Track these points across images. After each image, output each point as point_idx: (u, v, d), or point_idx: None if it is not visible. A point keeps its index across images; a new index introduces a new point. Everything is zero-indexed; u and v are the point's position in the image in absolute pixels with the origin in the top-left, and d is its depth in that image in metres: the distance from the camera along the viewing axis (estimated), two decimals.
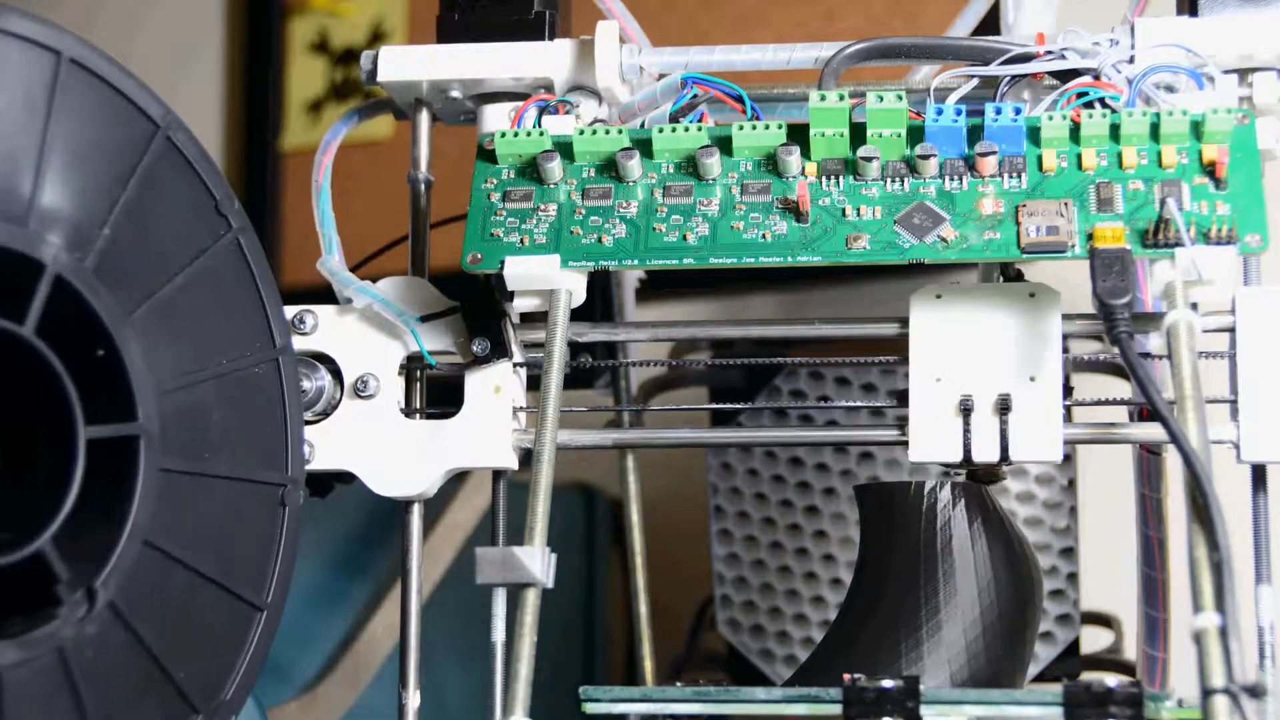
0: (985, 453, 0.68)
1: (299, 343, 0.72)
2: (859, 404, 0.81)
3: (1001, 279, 0.72)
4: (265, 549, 0.66)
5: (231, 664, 0.64)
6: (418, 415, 0.73)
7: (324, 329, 0.73)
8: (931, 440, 0.68)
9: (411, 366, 0.73)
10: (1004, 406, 0.68)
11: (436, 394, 0.74)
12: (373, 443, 0.72)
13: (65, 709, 0.58)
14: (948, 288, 0.70)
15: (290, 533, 0.66)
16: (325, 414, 0.73)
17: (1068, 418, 0.70)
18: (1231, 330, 0.67)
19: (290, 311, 0.73)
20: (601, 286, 0.85)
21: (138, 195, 0.61)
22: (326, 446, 0.72)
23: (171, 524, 0.61)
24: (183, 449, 0.62)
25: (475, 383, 0.72)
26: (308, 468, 0.71)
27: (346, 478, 0.73)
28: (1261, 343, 0.67)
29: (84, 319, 0.59)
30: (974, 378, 0.68)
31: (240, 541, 0.65)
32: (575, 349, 0.75)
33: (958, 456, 0.68)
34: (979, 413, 0.68)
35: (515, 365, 0.72)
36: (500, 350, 0.71)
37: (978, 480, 0.73)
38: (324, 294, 0.74)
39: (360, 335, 0.73)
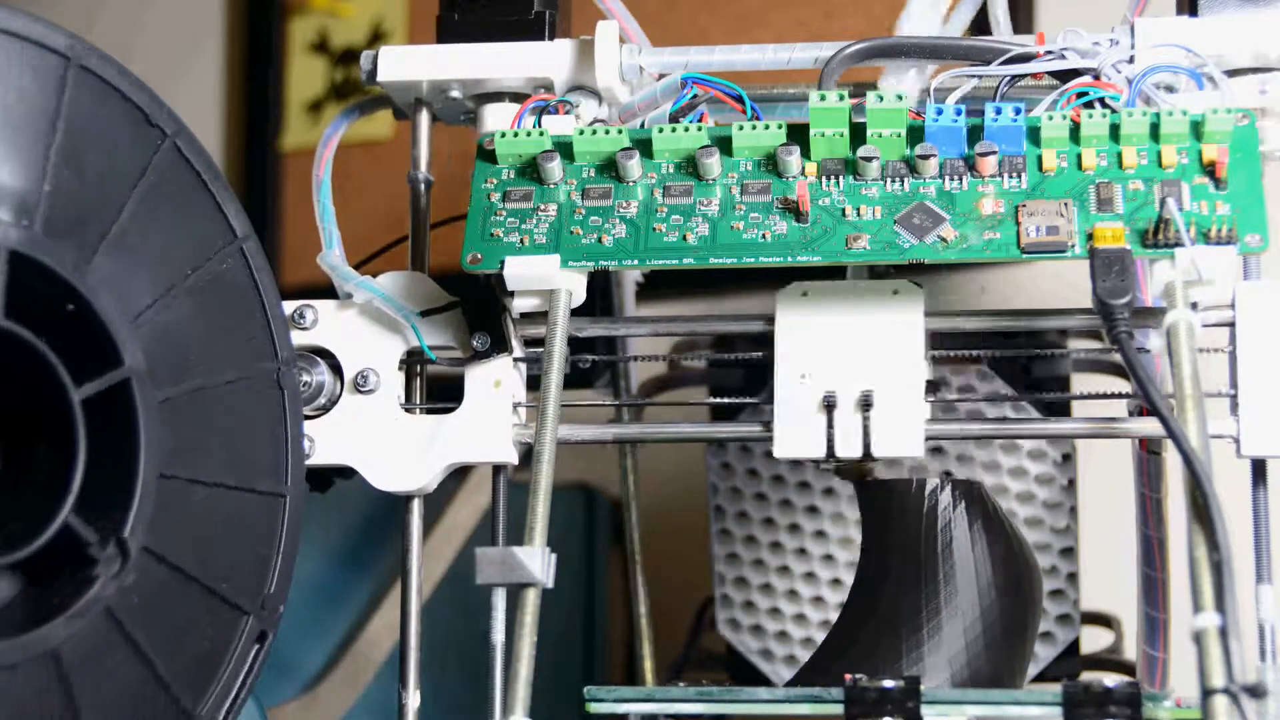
0: (848, 448, 0.68)
1: (299, 338, 0.73)
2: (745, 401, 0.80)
3: (869, 274, 0.72)
4: (274, 443, 0.66)
5: (267, 557, 0.65)
6: (418, 410, 0.73)
7: (324, 324, 0.73)
8: (796, 437, 0.69)
9: (412, 361, 0.73)
10: (866, 403, 0.68)
11: (437, 389, 0.74)
12: (373, 438, 0.72)
13: (126, 660, 0.59)
14: (813, 285, 0.70)
15: (294, 413, 0.66)
16: (325, 409, 0.73)
17: (1064, 411, 0.70)
18: (1231, 325, 0.67)
19: (290, 306, 0.73)
20: (601, 286, 0.85)
21: (67, 138, 0.60)
22: (327, 441, 0.72)
23: (180, 448, 0.61)
24: (172, 372, 0.61)
25: (475, 378, 0.72)
26: (308, 463, 0.71)
27: (347, 473, 0.73)
28: (1261, 337, 0.67)
29: (47, 283, 0.59)
30: (838, 374, 0.69)
31: (248, 442, 0.65)
32: (575, 345, 0.75)
33: (821, 452, 0.69)
34: (841, 409, 0.69)
35: (515, 360, 0.72)
36: (500, 345, 0.71)
37: (844, 476, 0.73)
38: (324, 294, 0.74)
39: (360, 330, 0.73)
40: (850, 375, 0.69)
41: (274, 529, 0.65)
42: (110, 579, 0.58)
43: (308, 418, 0.72)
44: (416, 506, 0.73)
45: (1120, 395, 0.72)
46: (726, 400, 0.83)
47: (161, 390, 0.61)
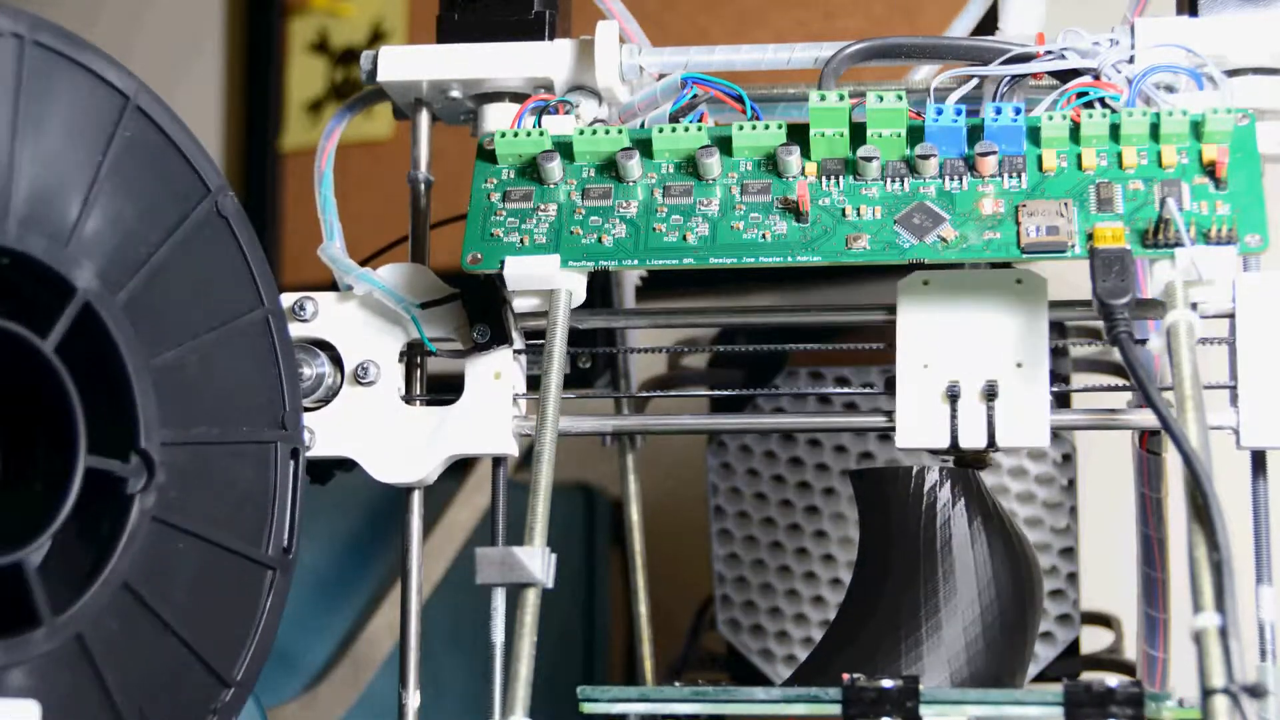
0: (972, 438, 0.68)
1: (299, 330, 0.73)
2: (847, 391, 0.81)
3: (989, 265, 0.72)
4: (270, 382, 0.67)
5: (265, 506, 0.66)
6: (418, 402, 0.73)
7: (324, 316, 0.73)
8: (919, 426, 0.69)
9: (412, 353, 0.74)
10: (991, 393, 0.68)
11: (437, 383, 0.74)
12: (373, 429, 0.72)
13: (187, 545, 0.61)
14: (934, 274, 0.70)
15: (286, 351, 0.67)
16: (325, 401, 0.73)
17: (1064, 405, 0.70)
18: (1231, 316, 0.67)
19: (290, 299, 0.73)
20: (601, 286, 0.85)
21: (182, 248, 0.62)
22: (327, 433, 0.72)
23: (154, 572, 0.61)
24: (179, 501, 0.62)
25: (476, 369, 0.72)
26: (308, 455, 0.71)
27: (347, 465, 0.73)
28: (1261, 328, 0.67)
29: (105, 351, 0.60)
30: (961, 364, 0.69)
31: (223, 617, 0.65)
32: (575, 339, 0.75)
33: (945, 443, 0.69)
34: (965, 399, 0.69)
35: (515, 352, 0.72)
36: (500, 337, 0.71)
37: (965, 465, 0.73)
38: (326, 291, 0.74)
39: (360, 322, 0.73)
40: (973, 365, 0.69)
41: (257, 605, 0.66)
42: (145, 493, 0.59)
43: (308, 410, 0.72)
44: (417, 498, 0.73)
45: (1119, 388, 0.72)
46: (726, 393, 0.84)
47: (164, 511, 0.61)
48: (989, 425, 0.68)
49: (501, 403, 0.72)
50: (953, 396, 0.69)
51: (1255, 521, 0.67)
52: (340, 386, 0.73)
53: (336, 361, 0.73)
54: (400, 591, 0.73)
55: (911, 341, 0.70)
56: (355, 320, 0.73)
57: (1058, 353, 0.85)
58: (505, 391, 0.72)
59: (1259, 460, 0.68)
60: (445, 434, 0.72)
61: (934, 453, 0.70)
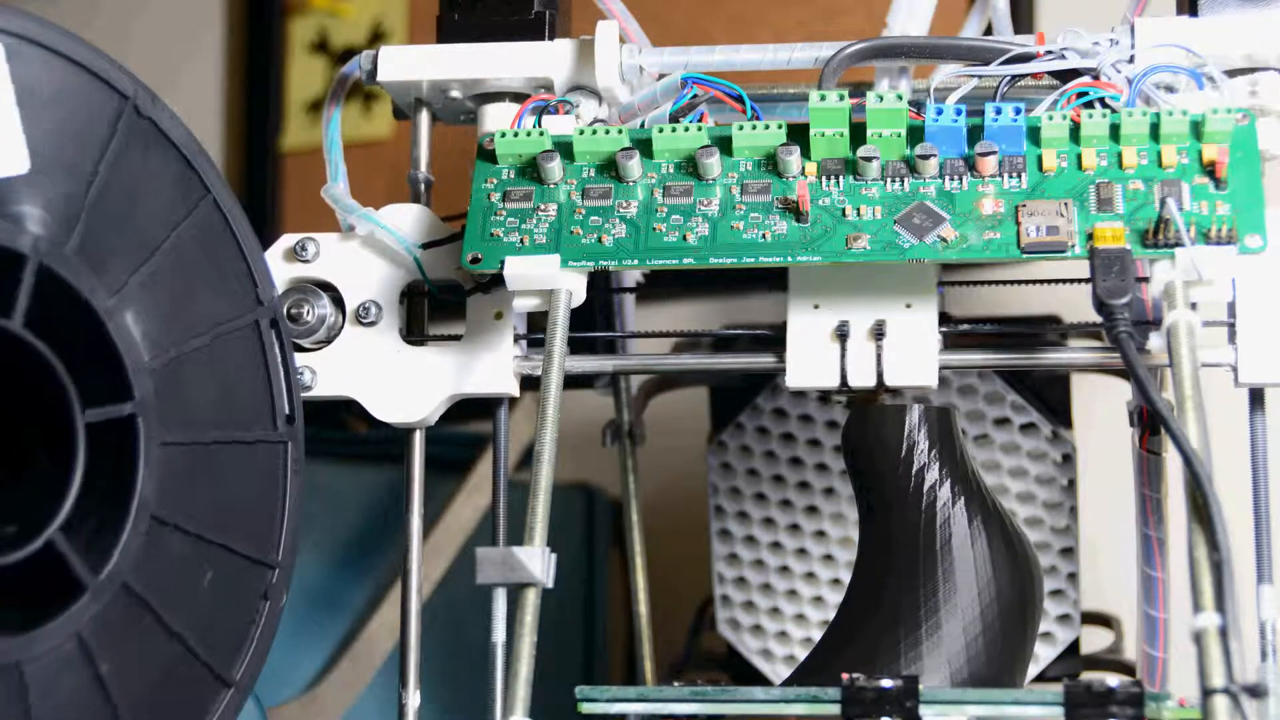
0: (861, 377, 0.69)
1: (301, 270, 0.73)
2: (743, 331, 0.79)
3: None
4: (270, 506, 0.66)
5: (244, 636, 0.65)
6: (420, 342, 0.73)
7: (325, 256, 0.74)
8: (809, 366, 0.70)
9: (413, 293, 0.74)
10: (879, 332, 0.69)
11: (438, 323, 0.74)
12: (375, 369, 0.73)
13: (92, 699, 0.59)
14: None
15: (295, 486, 0.67)
16: (327, 341, 0.73)
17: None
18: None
19: (291, 239, 0.73)
20: (601, 287, 0.85)
21: (115, 171, 0.61)
22: (328, 374, 0.73)
23: (176, 496, 0.61)
24: (181, 419, 0.62)
25: (477, 309, 0.72)
26: (309, 395, 0.72)
27: (349, 406, 0.73)
28: (1258, 266, 0.67)
29: (71, 302, 0.59)
30: (851, 304, 0.70)
31: (244, 503, 0.65)
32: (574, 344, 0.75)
33: (835, 382, 0.69)
34: (854, 339, 0.69)
35: (517, 338, 0.72)
36: (501, 278, 0.71)
37: (851, 407, 0.73)
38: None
39: (362, 262, 0.74)
40: (863, 305, 0.70)
41: (254, 609, 0.66)
42: (88, 607, 0.58)
43: (308, 350, 0.73)
44: (418, 439, 0.73)
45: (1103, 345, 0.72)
46: (730, 332, 0.82)
47: (169, 432, 0.61)
48: (878, 364, 0.69)
49: (502, 343, 0.72)
50: (842, 336, 0.69)
51: (1253, 460, 0.68)
52: (342, 327, 0.73)
53: (338, 303, 0.74)
54: (400, 591, 0.73)
55: (802, 282, 0.70)
56: (357, 261, 0.74)
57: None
58: (506, 331, 0.72)
59: (1256, 397, 0.69)
60: (446, 374, 0.72)
61: (824, 393, 0.70)
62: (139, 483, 0.60)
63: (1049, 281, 0.74)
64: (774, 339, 0.72)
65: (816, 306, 0.70)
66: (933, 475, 0.72)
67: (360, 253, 0.74)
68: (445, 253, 0.73)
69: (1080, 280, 0.68)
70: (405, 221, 0.73)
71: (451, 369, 0.73)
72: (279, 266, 0.73)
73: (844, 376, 0.70)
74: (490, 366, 0.72)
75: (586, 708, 0.66)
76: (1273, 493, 0.68)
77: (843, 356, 0.69)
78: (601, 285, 0.83)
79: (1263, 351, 0.67)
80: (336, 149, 0.75)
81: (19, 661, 0.56)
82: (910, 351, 0.69)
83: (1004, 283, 0.75)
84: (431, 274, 0.73)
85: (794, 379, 0.70)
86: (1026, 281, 0.74)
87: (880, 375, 0.69)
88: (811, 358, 0.70)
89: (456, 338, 0.73)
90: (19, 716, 0.56)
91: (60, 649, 0.57)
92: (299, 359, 0.72)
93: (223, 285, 0.65)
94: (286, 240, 0.74)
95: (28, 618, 0.57)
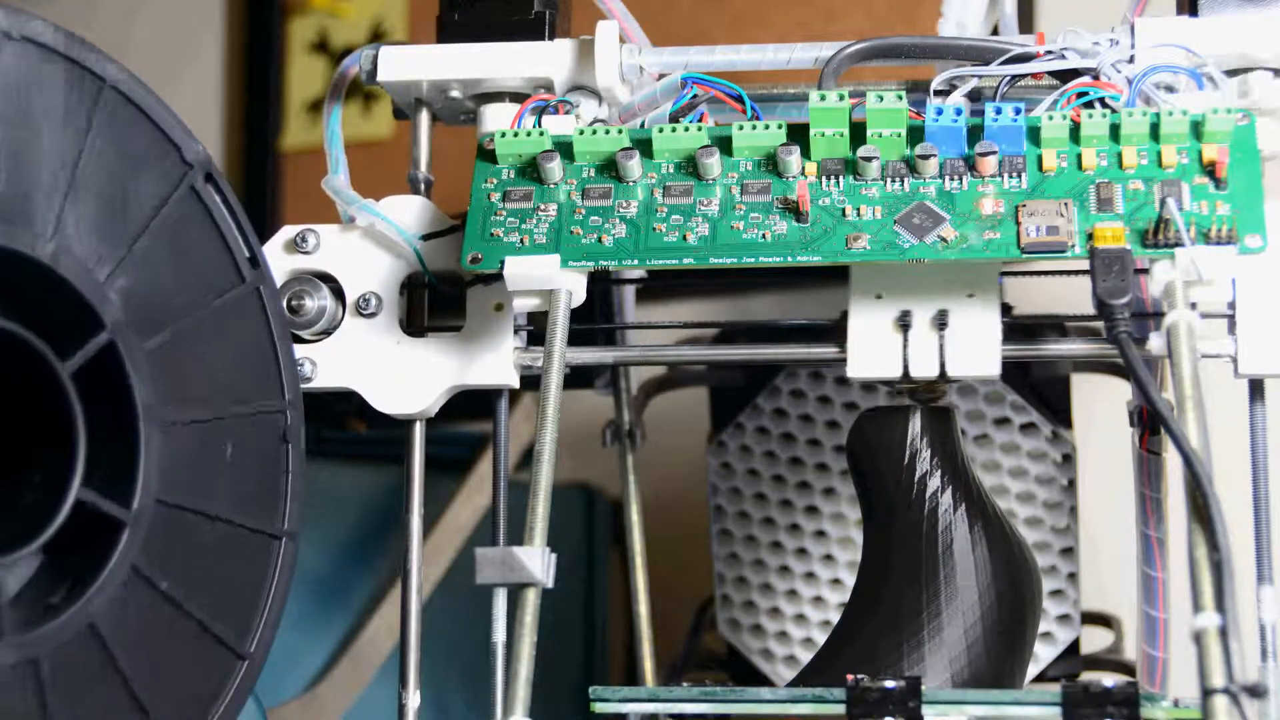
0: (923, 368, 0.69)
1: (301, 262, 0.73)
2: (805, 322, 0.80)
3: None
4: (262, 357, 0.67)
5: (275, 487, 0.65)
6: (420, 334, 0.73)
7: (326, 248, 0.74)
8: (870, 356, 0.69)
9: (413, 285, 0.74)
10: (942, 322, 0.68)
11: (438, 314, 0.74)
12: (374, 361, 0.73)
13: (159, 612, 0.60)
14: None
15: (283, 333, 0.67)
16: (327, 333, 0.73)
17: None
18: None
19: (292, 230, 0.74)
20: (601, 287, 0.85)
21: (214, 318, 0.63)
22: (328, 365, 0.73)
23: (162, 554, 0.61)
24: (185, 480, 0.62)
25: (477, 301, 0.72)
26: (309, 386, 0.72)
27: (348, 397, 0.73)
28: (1259, 258, 0.67)
29: (120, 391, 0.60)
30: (913, 294, 0.69)
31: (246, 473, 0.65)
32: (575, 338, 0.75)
33: (897, 372, 0.69)
34: (917, 328, 0.69)
35: (517, 328, 0.73)
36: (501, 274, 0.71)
37: (918, 400, 0.73)
38: None
39: (362, 254, 0.74)
40: (926, 295, 0.69)
41: (279, 458, 0.66)
42: (130, 541, 0.59)
43: (309, 341, 0.73)
44: (418, 430, 0.74)
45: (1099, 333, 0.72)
46: (721, 322, 0.81)
47: (147, 560, 0.61)
48: (940, 354, 0.68)
49: (503, 335, 0.72)
50: (904, 326, 0.69)
51: (1253, 453, 0.68)
52: (342, 318, 0.73)
53: (338, 294, 0.74)
54: (400, 591, 0.73)
55: (864, 273, 0.70)
56: (357, 252, 0.74)
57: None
58: (506, 323, 0.72)
59: (1256, 389, 0.69)
60: (446, 366, 0.73)
61: (886, 383, 0.70)
62: (91, 592, 0.59)
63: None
64: (827, 329, 0.71)
65: (879, 296, 0.70)
66: (934, 482, 0.72)
67: (360, 244, 0.74)
68: (445, 244, 0.73)
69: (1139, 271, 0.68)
70: (405, 213, 0.73)
71: (451, 361, 0.73)
72: (279, 258, 0.73)
73: (906, 366, 0.69)
74: (490, 359, 0.72)
75: (599, 707, 0.67)
76: (1273, 492, 0.68)
77: (905, 346, 0.69)
78: (601, 278, 0.83)
79: (1263, 342, 0.67)
80: (337, 142, 0.75)
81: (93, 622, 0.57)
82: (973, 341, 0.69)
83: (1063, 273, 0.74)
84: (431, 265, 0.73)
85: (855, 369, 0.69)
86: (1083, 272, 0.73)
87: (943, 365, 0.69)
88: (873, 348, 0.69)
89: (456, 329, 0.73)
90: (35, 707, 0.57)
91: (75, 638, 0.58)
92: (299, 350, 0.72)
93: (156, 165, 0.63)
94: (287, 232, 0.74)
95: (78, 581, 0.58)
